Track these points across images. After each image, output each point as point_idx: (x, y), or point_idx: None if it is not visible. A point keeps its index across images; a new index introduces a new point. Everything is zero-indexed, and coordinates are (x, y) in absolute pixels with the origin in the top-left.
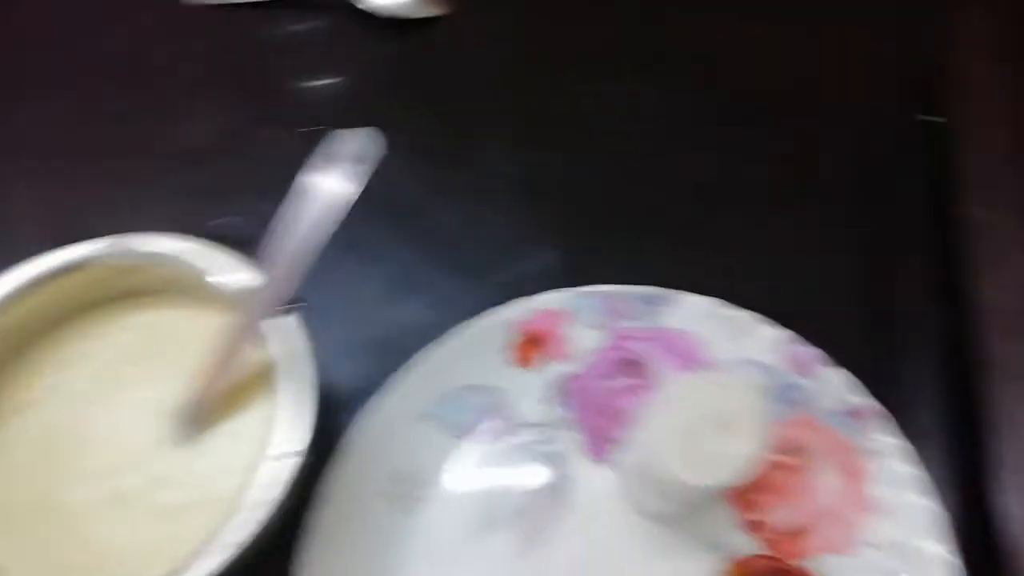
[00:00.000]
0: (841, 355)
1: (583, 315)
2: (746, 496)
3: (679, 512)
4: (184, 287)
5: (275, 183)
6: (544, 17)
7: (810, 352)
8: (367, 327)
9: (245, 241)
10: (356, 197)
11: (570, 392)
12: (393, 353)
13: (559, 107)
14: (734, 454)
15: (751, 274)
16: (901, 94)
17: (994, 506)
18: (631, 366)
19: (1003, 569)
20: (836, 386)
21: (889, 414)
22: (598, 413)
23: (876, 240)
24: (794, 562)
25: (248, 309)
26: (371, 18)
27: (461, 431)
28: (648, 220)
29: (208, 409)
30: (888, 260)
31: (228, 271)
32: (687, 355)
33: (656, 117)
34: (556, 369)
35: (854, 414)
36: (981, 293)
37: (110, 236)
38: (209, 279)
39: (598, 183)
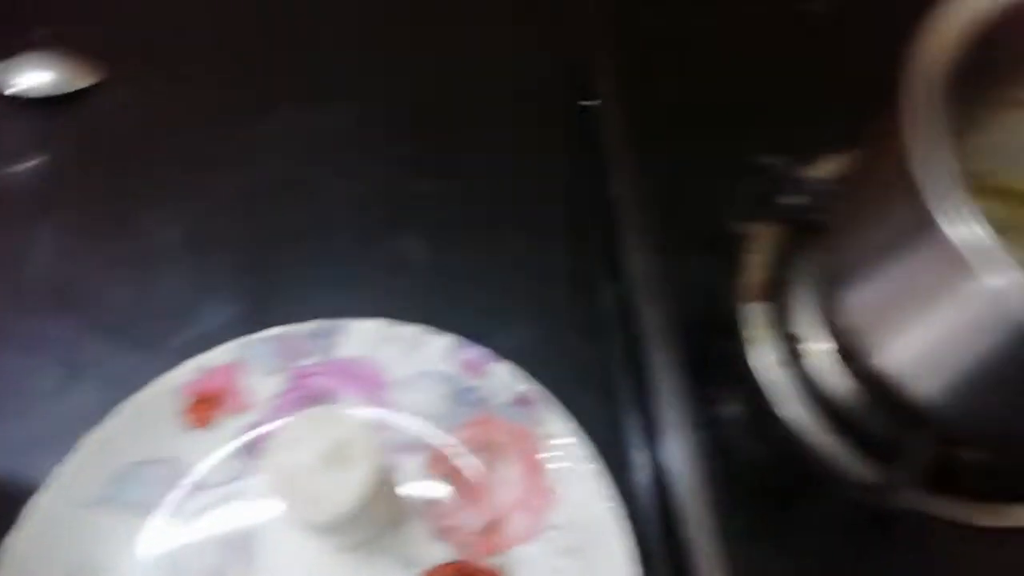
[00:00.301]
0: (508, 348)
1: (256, 363)
2: (437, 505)
3: (363, 538)
4: None
5: None
6: (194, 66)
7: (478, 352)
8: (33, 421)
9: None
10: None
11: (255, 442)
12: (64, 444)
13: (217, 153)
14: (348, 484)
15: (418, 288)
16: (561, 83)
17: (658, 465)
18: (316, 403)
19: (669, 520)
20: (504, 379)
21: (552, 396)
22: None
23: (543, 228)
24: (487, 560)
25: None
26: (20, 101)
27: (143, 508)
28: (321, 250)
29: None
30: (552, 247)
31: None
32: (368, 380)
33: (319, 143)
34: (239, 422)
35: (523, 402)
36: (635, 267)
37: None
38: None
39: (269, 222)
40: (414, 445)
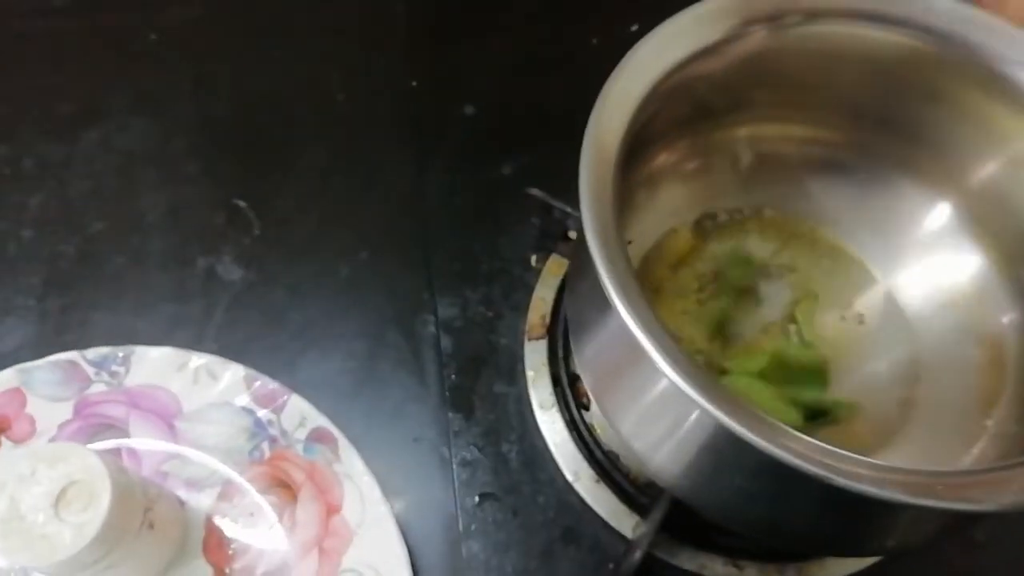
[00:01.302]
0: (315, 381)
1: (41, 389)
2: (227, 544)
3: None
4: None
5: None
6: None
7: (273, 385)
8: None
9: None
10: None
11: None
12: None
13: (19, 169)
14: (75, 525)
15: (224, 314)
16: (376, 101)
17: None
18: (108, 432)
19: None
20: (301, 414)
21: (351, 433)
22: None
23: (360, 256)
24: None
25: None
26: None
27: None
28: (124, 273)
29: None
30: (370, 275)
31: None
32: (158, 411)
33: (127, 161)
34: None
35: (320, 438)
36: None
37: None
38: None
39: (71, 242)
40: (205, 480)
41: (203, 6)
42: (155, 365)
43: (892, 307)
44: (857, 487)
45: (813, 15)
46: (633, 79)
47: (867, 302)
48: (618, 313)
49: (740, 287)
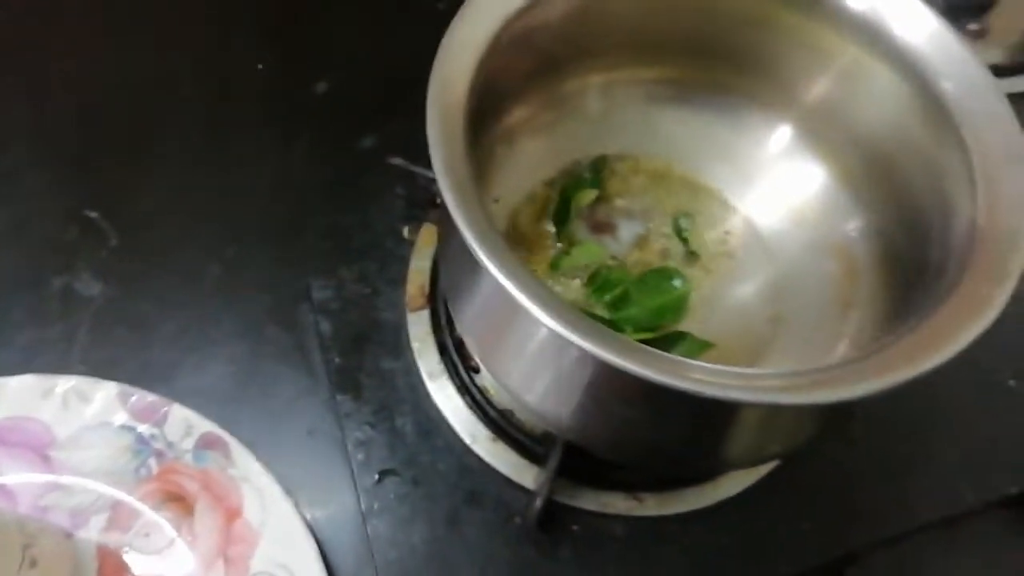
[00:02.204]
0: (198, 387)
1: None
2: (126, 567)
3: None
4: None
5: None
6: None
7: (149, 399)
8: None
9: None
10: None
11: None
12: None
13: None
14: None
15: (89, 332)
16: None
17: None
18: None
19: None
20: (185, 423)
21: (243, 434)
22: None
23: (233, 255)
24: None
25: None
26: None
27: None
28: None
29: None
30: (244, 271)
31: None
32: (29, 443)
33: None
34: None
35: (209, 444)
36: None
37: None
38: None
39: None
40: (91, 507)
41: (26, 3)
42: (17, 396)
43: (751, 231)
44: (723, 394)
45: None
46: (470, 32)
47: (729, 229)
48: (486, 269)
49: (599, 222)
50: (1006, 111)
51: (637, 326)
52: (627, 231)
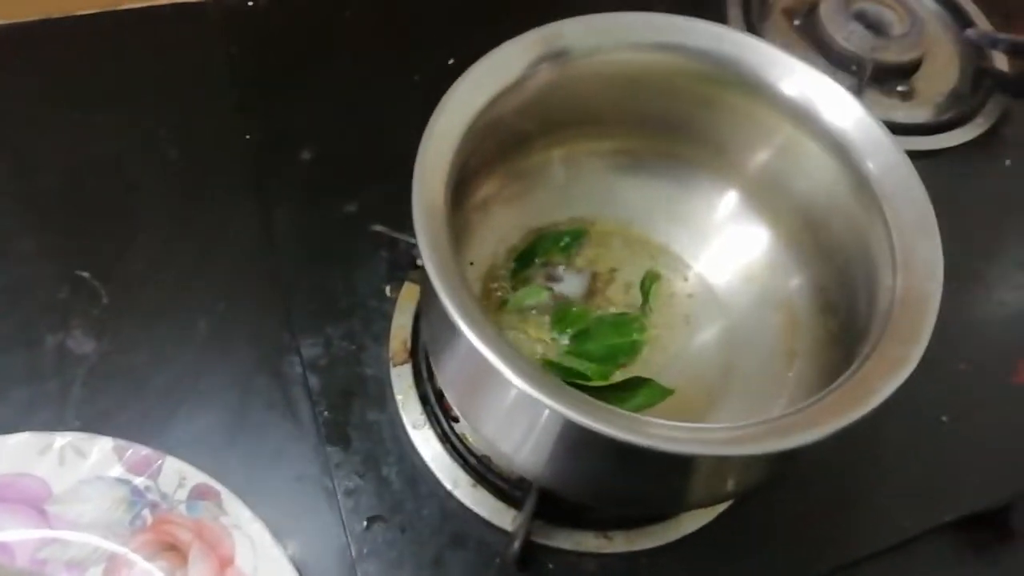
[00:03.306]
0: (187, 439)
1: None
2: None
3: None
4: None
5: None
6: None
7: (144, 452)
8: None
9: None
10: None
11: None
12: None
13: None
14: None
15: (81, 387)
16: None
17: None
18: None
19: None
20: (177, 474)
21: (221, 487)
22: None
23: (220, 308)
24: None
25: None
26: None
27: None
28: None
29: None
30: (231, 325)
31: None
32: (26, 500)
33: None
34: None
35: (201, 495)
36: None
37: None
38: None
39: None
40: (88, 560)
41: (10, 78)
42: (14, 453)
43: (705, 287)
44: (677, 449)
45: (595, 51)
46: (448, 121)
47: (684, 284)
48: (463, 334)
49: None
50: (919, 188)
51: (592, 359)
52: (582, 281)
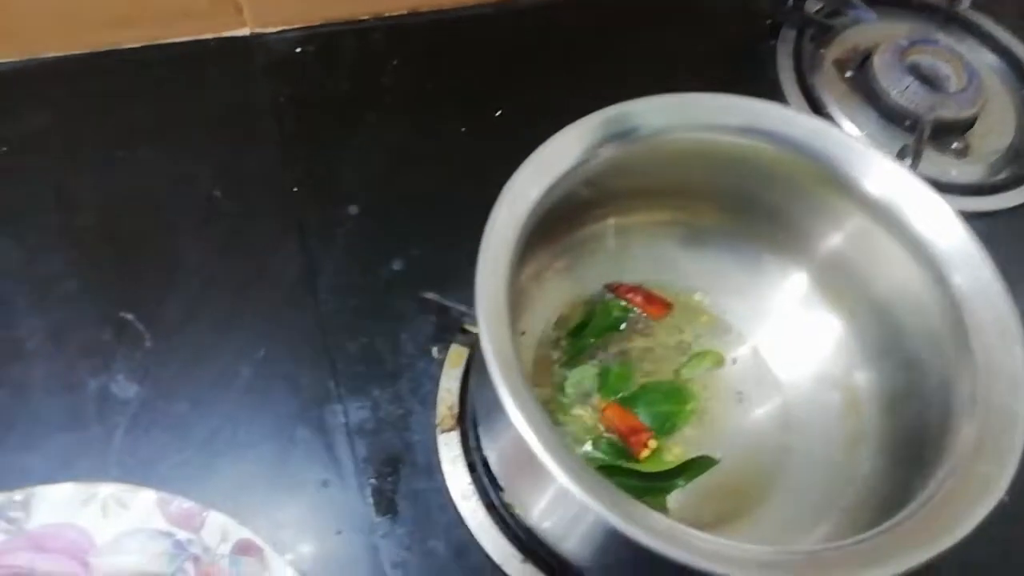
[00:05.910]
0: (227, 490)
1: None
2: None
3: None
4: None
5: None
6: None
7: (186, 505)
8: None
9: None
10: None
11: None
12: None
13: None
14: None
15: (123, 437)
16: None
17: None
18: None
19: None
20: (221, 529)
21: (263, 544)
22: None
23: (262, 358)
24: None
25: None
26: None
27: None
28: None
29: None
30: (273, 376)
31: None
32: (69, 551)
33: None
34: None
35: (244, 550)
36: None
37: None
38: None
39: None
40: None
41: (53, 113)
42: (58, 504)
43: (759, 362)
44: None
45: (663, 131)
46: (511, 213)
47: (736, 356)
48: (513, 426)
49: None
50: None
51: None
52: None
